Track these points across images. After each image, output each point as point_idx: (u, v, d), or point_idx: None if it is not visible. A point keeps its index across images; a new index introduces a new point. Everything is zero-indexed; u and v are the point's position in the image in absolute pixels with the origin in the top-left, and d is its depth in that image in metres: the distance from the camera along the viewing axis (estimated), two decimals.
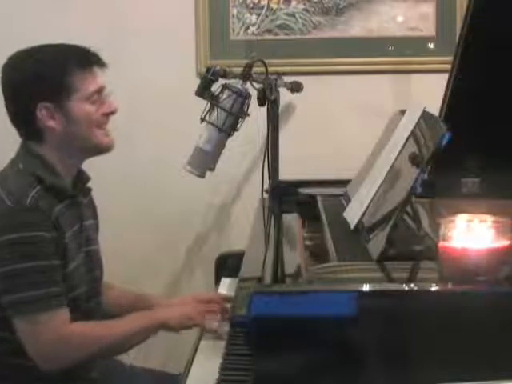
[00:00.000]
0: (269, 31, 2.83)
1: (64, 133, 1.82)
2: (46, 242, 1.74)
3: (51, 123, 1.81)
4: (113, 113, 1.88)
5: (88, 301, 1.87)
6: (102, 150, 1.88)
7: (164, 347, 2.86)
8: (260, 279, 1.62)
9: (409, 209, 1.72)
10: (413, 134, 1.84)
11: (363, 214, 1.83)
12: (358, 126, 2.78)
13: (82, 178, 1.94)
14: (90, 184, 1.97)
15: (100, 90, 1.86)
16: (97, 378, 1.93)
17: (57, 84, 1.80)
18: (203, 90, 1.97)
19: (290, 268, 1.67)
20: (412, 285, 1.43)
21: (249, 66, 1.93)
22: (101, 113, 1.86)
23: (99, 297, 1.94)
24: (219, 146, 1.93)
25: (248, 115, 1.95)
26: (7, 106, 1.85)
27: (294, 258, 1.77)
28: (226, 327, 1.82)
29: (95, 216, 2.00)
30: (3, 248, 1.72)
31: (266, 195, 1.91)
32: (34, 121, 1.81)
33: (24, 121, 1.83)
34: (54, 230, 1.76)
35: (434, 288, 1.41)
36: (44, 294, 1.72)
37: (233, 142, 1.97)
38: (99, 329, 1.84)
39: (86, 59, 1.84)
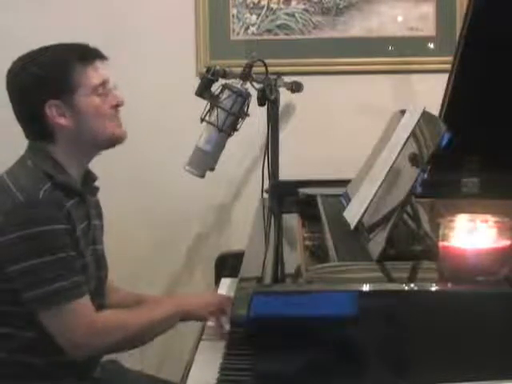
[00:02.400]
0: (269, 31, 2.83)
1: (75, 129, 1.84)
2: (62, 234, 1.75)
3: (62, 120, 1.83)
4: (119, 105, 1.89)
5: (94, 300, 1.87)
6: (114, 141, 1.89)
7: (160, 349, 2.86)
8: (260, 279, 1.62)
9: (409, 209, 1.72)
10: (413, 133, 1.84)
11: (363, 214, 1.83)
12: (358, 126, 2.78)
13: (89, 177, 1.95)
14: None
15: (104, 83, 1.87)
16: (99, 377, 1.94)
17: (61, 82, 1.82)
18: (203, 90, 1.97)
19: (290, 268, 1.67)
20: (412, 285, 1.44)
21: (249, 66, 1.93)
22: (108, 105, 1.87)
23: (103, 298, 1.95)
24: (219, 146, 1.93)
25: (248, 115, 1.95)
26: (15, 110, 1.87)
27: (294, 258, 1.77)
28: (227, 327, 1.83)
29: (101, 218, 2.01)
30: (19, 243, 1.72)
31: (266, 195, 1.91)
32: (45, 120, 1.82)
33: (34, 122, 1.85)
34: (67, 223, 1.77)
35: (433, 288, 1.41)
36: (69, 284, 1.74)
37: (233, 142, 1.97)
38: (126, 316, 1.86)
39: (86, 54, 1.86)
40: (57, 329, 1.76)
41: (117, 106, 1.89)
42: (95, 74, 1.85)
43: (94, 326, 1.78)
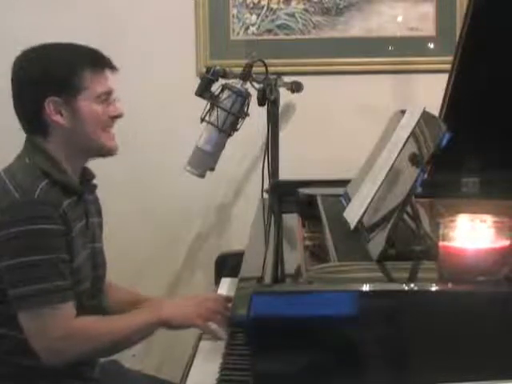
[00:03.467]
0: (269, 31, 2.83)
1: (69, 130, 1.84)
2: (55, 235, 1.75)
3: (58, 118, 1.83)
4: (118, 116, 1.90)
5: (91, 298, 1.87)
6: (105, 152, 1.89)
7: (160, 350, 2.86)
8: (260, 279, 1.62)
9: (409, 209, 1.72)
10: (413, 134, 1.84)
11: (363, 214, 1.83)
12: (358, 126, 2.78)
13: (87, 175, 1.95)
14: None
15: (109, 93, 1.87)
16: (98, 377, 1.94)
17: (65, 81, 1.82)
18: (203, 90, 1.97)
19: (290, 268, 1.67)
20: (412, 285, 1.43)
21: (249, 66, 1.93)
22: (107, 115, 1.87)
23: (101, 295, 1.95)
24: (219, 146, 1.93)
25: (248, 115, 1.95)
26: (15, 101, 1.87)
27: (294, 258, 1.77)
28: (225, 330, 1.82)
29: (100, 214, 2.01)
30: (11, 241, 1.72)
31: (266, 195, 1.91)
32: (41, 114, 1.83)
33: (31, 114, 1.85)
34: (62, 223, 1.77)
35: (433, 288, 1.41)
36: (51, 287, 1.73)
37: (233, 142, 1.97)
38: (103, 324, 1.84)
39: (99, 60, 1.86)
40: (31, 331, 1.74)
41: (115, 118, 1.89)
42: (103, 81, 1.86)
43: (68, 336, 1.75)
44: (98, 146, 1.87)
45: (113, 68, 1.87)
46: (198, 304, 1.89)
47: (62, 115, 1.83)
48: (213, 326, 1.85)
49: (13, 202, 1.74)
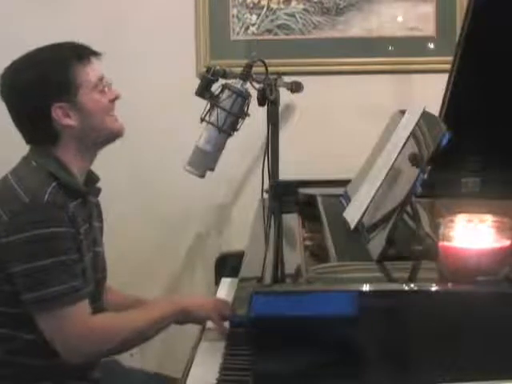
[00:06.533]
0: (269, 31, 2.83)
1: (81, 127, 1.85)
2: (66, 237, 1.76)
3: (68, 121, 1.83)
4: (117, 98, 1.91)
5: (93, 301, 1.87)
6: (114, 136, 1.91)
7: (161, 349, 2.86)
8: (260, 279, 1.62)
9: (409, 209, 1.72)
10: (413, 134, 1.84)
11: (363, 214, 1.83)
12: (357, 125, 2.78)
13: (92, 178, 1.96)
14: None
15: (102, 79, 1.89)
16: (99, 378, 1.94)
17: (63, 83, 1.82)
18: (203, 90, 1.97)
19: (290, 268, 1.67)
20: (412, 285, 1.44)
21: (249, 66, 1.93)
22: (107, 99, 1.89)
23: (101, 300, 1.95)
24: (219, 146, 1.93)
25: (248, 115, 1.95)
26: (15, 114, 1.85)
27: (294, 258, 1.77)
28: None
29: (101, 220, 2.02)
30: (24, 245, 1.73)
31: (265, 195, 1.91)
32: (50, 123, 1.83)
33: (39, 126, 1.84)
34: (71, 225, 1.78)
35: (433, 288, 1.41)
36: (68, 288, 1.74)
37: (233, 142, 1.96)
38: (120, 320, 1.87)
39: (83, 51, 1.87)
40: (53, 332, 1.76)
41: (114, 100, 1.91)
42: (93, 71, 1.87)
43: (90, 331, 1.77)
44: (106, 132, 1.89)
45: (96, 54, 1.89)
46: (211, 299, 1.98)
47: (70, 117, 1.83)
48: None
49: (24, 206, 1.74)
